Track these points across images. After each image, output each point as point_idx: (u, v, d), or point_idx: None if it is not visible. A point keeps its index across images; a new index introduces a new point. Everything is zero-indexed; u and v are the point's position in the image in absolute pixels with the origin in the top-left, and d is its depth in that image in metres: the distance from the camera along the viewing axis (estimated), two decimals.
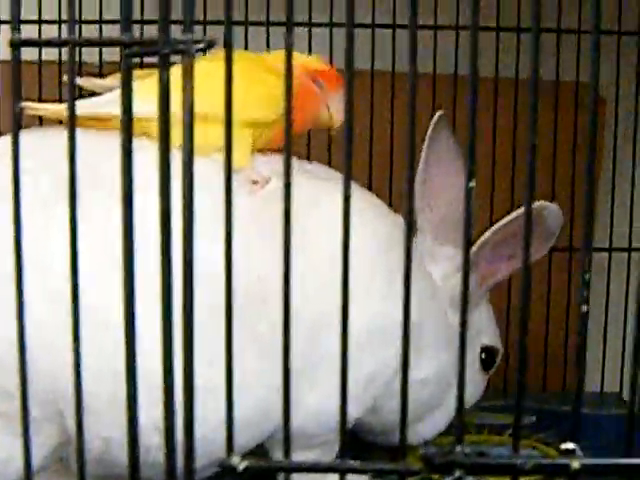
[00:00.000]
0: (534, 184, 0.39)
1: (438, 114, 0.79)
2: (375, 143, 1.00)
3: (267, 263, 0.66)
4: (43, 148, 0.66)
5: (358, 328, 0.68)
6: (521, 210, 0.72)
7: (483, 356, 0.83)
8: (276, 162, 0.72)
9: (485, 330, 0.84)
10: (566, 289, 1.03)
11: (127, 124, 0.39)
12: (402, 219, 0.75)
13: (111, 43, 0.39)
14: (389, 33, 1.00)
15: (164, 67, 0.37)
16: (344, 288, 0.39)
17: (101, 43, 0.40)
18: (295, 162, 0.65)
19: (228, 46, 0.39)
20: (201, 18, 0.99)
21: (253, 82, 0.71)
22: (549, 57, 0.99)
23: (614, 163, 1.05)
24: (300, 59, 0.74)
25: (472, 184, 0.38)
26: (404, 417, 0.41)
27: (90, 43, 0.40)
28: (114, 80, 0.74)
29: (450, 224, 0.79)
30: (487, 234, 0.75)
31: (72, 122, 0.39)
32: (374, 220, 0.74)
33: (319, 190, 0.71)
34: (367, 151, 0.99)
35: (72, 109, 0.40)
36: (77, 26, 0.95)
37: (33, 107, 0.69)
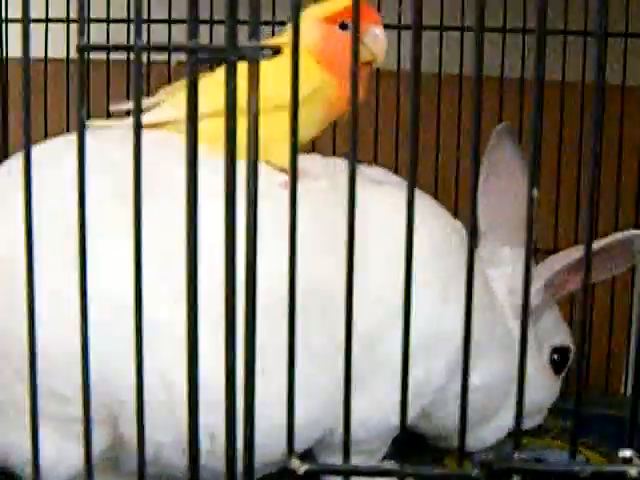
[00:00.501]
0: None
1: (503, 124, 0.80)
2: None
3: (324, 270, 0.65)
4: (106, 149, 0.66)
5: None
6: (612, 237, 0.74)
7: (555, 357, 0.82)
8: (329, 165, 0.72)
9: (554, 331, 0.82)
10: (609, 292, 1.02)
11: (192, 129, 0.39)
12: (461, 224, 0.75)
13: (178, 49, 0.39)
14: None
15: (232, 74, 0.37)
16: (406, 297, 0.39)
17: (168, 49, 0.40)
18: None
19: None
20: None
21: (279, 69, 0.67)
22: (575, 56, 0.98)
23: None
24: (315, 9, 0.71)
25: (535, 193, 0.39)
26: (463, 426, 0.41)
27: (157, 48, 0.40)
28: (161, 97, 0.74)
29: (511, 225, 0.79)
30: (574, 255, 0.77)
31: (138, 128, 0.40)
32: (431, 223, 0.72)
33: (376, 193, 0.71)
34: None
35: (138, 113, 0.40)
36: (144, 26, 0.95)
37: (97, 124, 0.70)
